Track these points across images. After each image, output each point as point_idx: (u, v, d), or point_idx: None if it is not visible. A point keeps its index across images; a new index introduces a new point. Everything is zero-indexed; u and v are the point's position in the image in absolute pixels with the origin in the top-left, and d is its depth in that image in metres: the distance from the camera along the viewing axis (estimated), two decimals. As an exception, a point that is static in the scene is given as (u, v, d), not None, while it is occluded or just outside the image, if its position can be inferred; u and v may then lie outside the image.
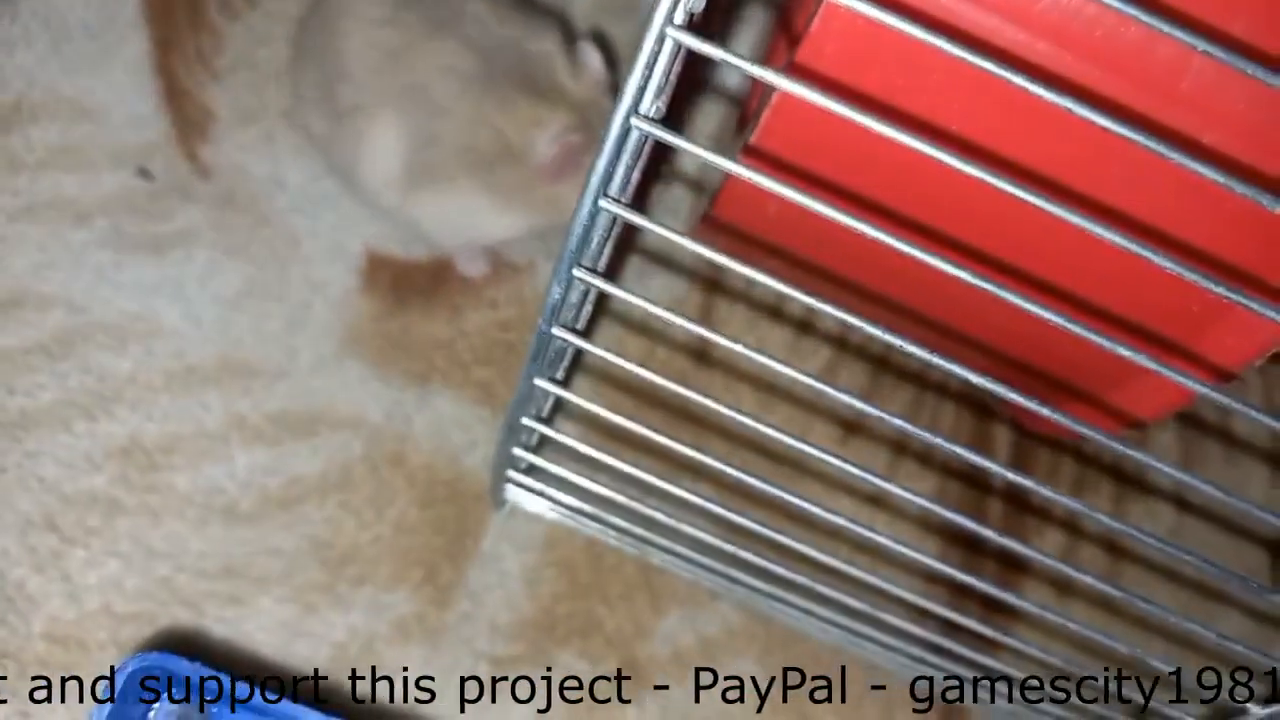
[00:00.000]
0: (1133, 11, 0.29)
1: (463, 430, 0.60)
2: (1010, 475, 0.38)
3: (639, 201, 0.62)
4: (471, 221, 0.58)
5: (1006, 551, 0.43)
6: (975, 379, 0.35)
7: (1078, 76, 0.36)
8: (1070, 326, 0.33)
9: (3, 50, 0.62)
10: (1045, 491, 0.38)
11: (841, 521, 0.42)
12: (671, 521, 0.48)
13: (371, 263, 0.62)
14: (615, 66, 0.60)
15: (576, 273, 0.36)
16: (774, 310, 0.66)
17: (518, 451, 0.48)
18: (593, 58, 0.57)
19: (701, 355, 0.64)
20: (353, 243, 0.62)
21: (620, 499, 0.49)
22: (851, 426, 0.65)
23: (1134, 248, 0.32)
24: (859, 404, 0.38)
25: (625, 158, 0.34)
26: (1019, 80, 0.30)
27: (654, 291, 0.64)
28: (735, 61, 0.32)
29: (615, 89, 0.39)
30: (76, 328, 0.58)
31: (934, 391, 0.67)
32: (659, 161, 0.65)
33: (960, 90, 0.36)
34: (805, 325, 0.66)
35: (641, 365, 0.40)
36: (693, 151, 0.34)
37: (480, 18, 0.55)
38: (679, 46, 0.32)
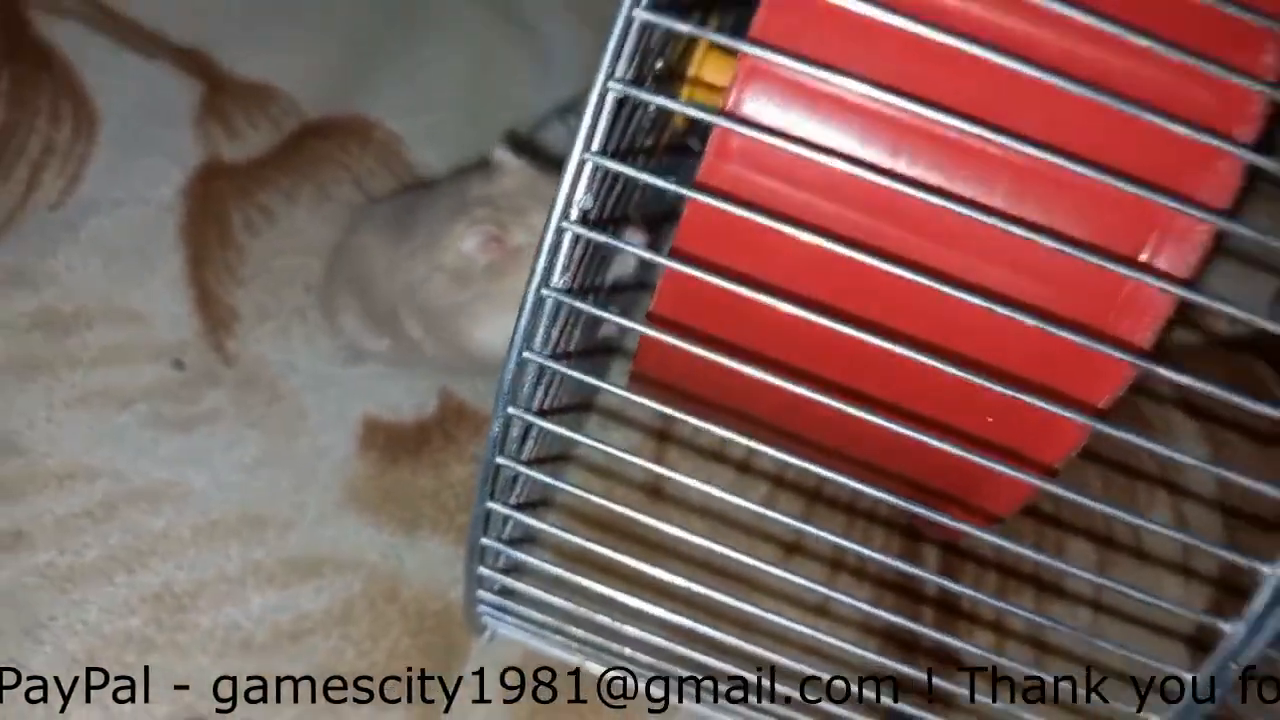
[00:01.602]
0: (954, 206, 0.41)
1: (448, 568, 0.69)
2: (939, 580, 0.47)
3: (597, 361, 0.73)
4: (490, 347, 0.63)
5: (939, 648, 0.51)
6: (859, 486, 0.45)
7: (887, 240, 0.47)
8: (909, 433, 0.43)
9: (68, 270, 0.76)
10: (972, 593, 0.47)
11: (793, 625, 0.50)
12: (638, 632, 0.56)
13: (367, 428, 0.73)
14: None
15: (511, 410, 0.46)
16: (718, 455, 0.76)
17: (484, 571, 0.56)
18: (504, 156, 0.63)
19: (655, 492, 0.74)
20: (352, 413, 0.74)
21: (584, 613, 0.56)
22: (791, 548, 0.73)
23: (949, 369, 0.42)
24: (798, 524, 0.47)
25: (544, 320, 0.45)
26: (836, 248, 0.41)
27: (612, 442, 0.74)
28: (622, 246, 0.43)
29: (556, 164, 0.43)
30: (119, 495, 0.68)
31: (864, 518, 0.76)
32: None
33: (803, 258, 0.47)
34: (745, 466, 0.76)
35: (592, 494, 0.49)
36: (596, 315, 0.45)
37: (417, 206, 0.67)
38: (576, 236, 0.43)
